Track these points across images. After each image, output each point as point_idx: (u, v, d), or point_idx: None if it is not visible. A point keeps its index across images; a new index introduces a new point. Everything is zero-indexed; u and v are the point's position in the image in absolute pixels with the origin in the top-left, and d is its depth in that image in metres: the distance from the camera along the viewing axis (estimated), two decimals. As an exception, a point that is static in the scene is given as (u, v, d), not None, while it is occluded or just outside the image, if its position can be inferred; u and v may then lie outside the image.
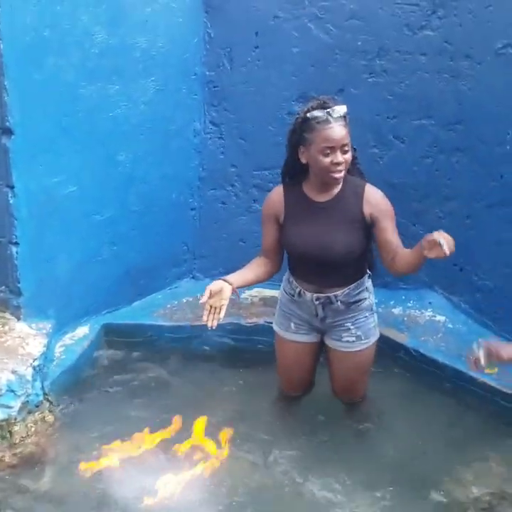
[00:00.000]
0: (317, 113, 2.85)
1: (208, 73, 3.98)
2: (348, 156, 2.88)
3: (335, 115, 2.83)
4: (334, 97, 2.97)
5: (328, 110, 2.83)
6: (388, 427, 3.42)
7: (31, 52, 3.22)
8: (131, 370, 3.73)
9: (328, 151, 2.86)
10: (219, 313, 2.99)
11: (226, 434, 3.20)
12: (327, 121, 2.83)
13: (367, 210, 2.96)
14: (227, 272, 4.26)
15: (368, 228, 2.99)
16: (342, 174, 2.92)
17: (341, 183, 2.98)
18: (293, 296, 3.14)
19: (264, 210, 3.14)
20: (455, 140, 3.76)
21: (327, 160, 2.87)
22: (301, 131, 2.91)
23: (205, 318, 2.98)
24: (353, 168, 3.00)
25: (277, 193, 3.09)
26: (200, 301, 2.97)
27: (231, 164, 4.15)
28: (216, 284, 3.01)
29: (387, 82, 3.79)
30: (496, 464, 3.10)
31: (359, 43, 3.77)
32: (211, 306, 2.97)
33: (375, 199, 2.97)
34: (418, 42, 3.69)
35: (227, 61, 3.95)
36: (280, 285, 3.28)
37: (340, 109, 2.84)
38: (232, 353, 3.90)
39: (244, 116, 4.03)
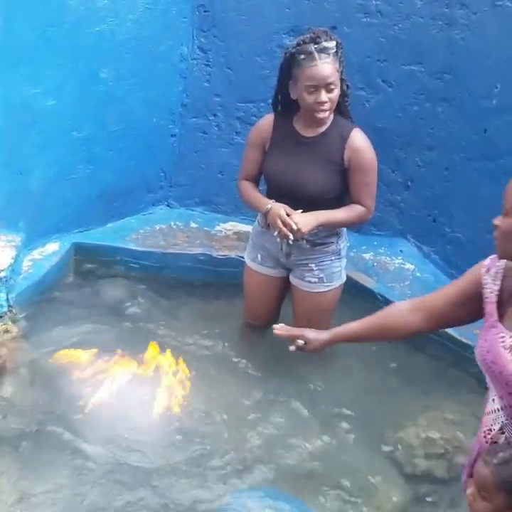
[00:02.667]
0: (304, 48, 2.80)
1: (200, -4, 3.89)
2: (334, 94, 2.84)
3: (321, 51, 2.77)
4: (327, 31, 2.88)
5: (315, 46, 2.77)
6: (346, 368, 3.48)
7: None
8: (98, 291, 3.75)
9: (313, 89, 2.83)
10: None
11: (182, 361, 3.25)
12: (312, 58, 2.79)
13: (347, 155, 2.95)
14: (203, 203, 4.32)
15: (346, 173, 2.98)
16: (326, 114, 2.89)
17: (329, 122, 2.96)
18: (263, 227, 3.15)
19: (251, 135, 3.13)
20: (442, 89, 3.73)
21: (311, 98, 2.85)
22: (289, 66, 2.87)
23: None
24: (344, 108, 2.97)
25: (267, 121, 3.08)
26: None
27: (215, 93, 4.08)
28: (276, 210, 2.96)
29: (381, 24, 3.73)
30: (451, 412, 3.17)
31: (361, -20, 3.70)
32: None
33: (357, 147, 2.95)
34: (416, -15, 3.63)
35: (221, -15, 3.86)
36: (253, 221, 3.29)
37: (329, 45, 2.78)
38: (201, 283, 3.92)
39: (233, 45, 3.95)
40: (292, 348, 2.41)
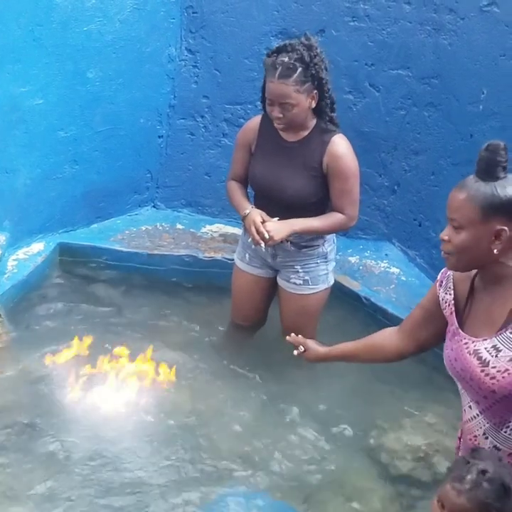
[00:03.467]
0: (268, 60, 2.83)
1: (188, -3, 3.89)
2: (291, 112, 2.84)
3: (283, 70, 2.77)
4: (310, 40, 2.83)
5: (278, 62, 2.77)
6: (333, 370, 3.47)
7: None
8: (82, 291, 3.74)
9: (269, 103, 2.87)
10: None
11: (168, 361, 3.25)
12: (272, 74, 2.81)
13: (325, 161, 2.95)
14: (190, 205, 4.31)
15: (326, 179, 2.98)
16: (281, 127, 2.93)
17: (311, 127, 2.96)
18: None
19: (239, 136, 3.15)
20: (429, 94, 3.75)
21: (269, 109, 2.90)
22: (265, 72, 2.89)
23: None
24: (323, 117, 2.96)
25: (254, 123, 3.10)
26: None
27: (203, 95, 4.08)
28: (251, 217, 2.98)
29: (369, 28, 3.75)
30: (434, 416, 3.18)
31: (345, -16, 3.71)
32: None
33: (336, 153, 2.94)
34: (405, -11, 3.65)
35: (209, -14, 3.87)
36: (240, 222, 3.29)
37: (291, 66, 2.76)
38: (187, 285, 3.91)
39: (221, 46, 3.96)
40: (295, 352, 2.57)
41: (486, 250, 1.87)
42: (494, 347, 1.89)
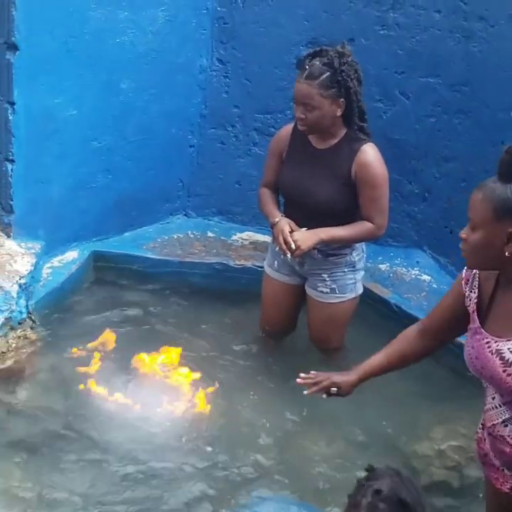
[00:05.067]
0: (300, 62, 2.92)
1: (219, 9, 3.93)
2: (313, 115, 2.88)
3: (310, 72, 2.84)
4: (344, 48, 2.91)
5: (308, 64, 2.86)
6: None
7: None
8: (116, 299, 3.78)
9: (295, 102, 2.92)
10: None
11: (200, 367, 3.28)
12: (300, 74, 2.88)
13: (354, 169, 2.97)
14: (220, 213, 4.35)
15: (355, 187, 3.00)
16: (304, 128, 2.96)
17: (341, 135, 2.99)
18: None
19: (272, 144, 3.21)
20: (460, 101, 3.74)
21: (295, 109, 2.95)
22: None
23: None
24: (352, 125, 2.98)
25: (286, 131, 3.15)
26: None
27: (234, 105, 4.12)
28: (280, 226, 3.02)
29: (399, 36, 3.75)
30: (466, 425, 3.14)
31: (374, -7, 3.73)
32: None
33: (364, 162, 2.96)
34: (434, -2, 3.65)
35: (240, -2, 3.91)
36: (270, 230, 3.32)
37: (316, 71, 2.84)
38: (218, 292, 3.92)
39: (251, 56, 3.99)
40: (324, 396, 2.38)
41: (498, 252, 1.88)
42: None
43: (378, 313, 3.82)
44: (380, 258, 4.09)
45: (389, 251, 4.14)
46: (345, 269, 3.17)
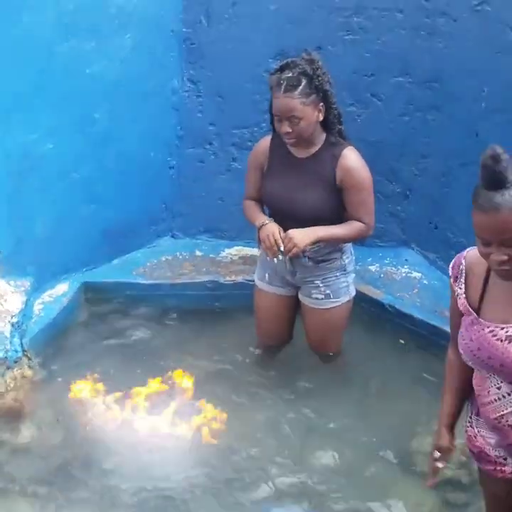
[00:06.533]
0: (272, 78, 2.90)
1: (185, 30, 3.95)
2: (300, 126, 2.89)
3: (287, 84, 2.83)
4: (310, 55, 2.93)
5: (282, 78, 2.84)
6: (366, 380, 3.51)
7: (7, 8, 3.19)
8: (110, 328, 3.78)
9: (278, 119, 2.91)
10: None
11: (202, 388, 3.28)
12: (278, 90, 2.87)
13: (338, 175, 2.99)
14: (207, 231, 4.36)
15: (340, 192, 3.02)
16: (292, 141, 2.96)
17: (321, 143, 3.01)
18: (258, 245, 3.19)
19: (251, 158, 3.21)
20: (431, 98, 3.78)
21: (278, 126, 2.94)
22: (270, 91, 2.95)
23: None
24: (331, 130, 3.01)
25: (264, 143, 3.16)
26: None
27: (209, 123, 4.14)
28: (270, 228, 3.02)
29: (365, 40, 3.79)
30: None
31: (336, 0, 3.75)
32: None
33: (348, 166, 2.98)
34: (395, -1, 3.69)
35: (204, 18, 3.92)
36: (259, 244, 3.33)
37: (294, 80, 2.83)
38: (212, 310, 3.94)
39: (222, 73, 4.02)
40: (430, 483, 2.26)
41: None
42: None
43: (373, 315, 3.84)
44: (370, 259, 4.12)
45: (377, 251, 4.17)
46: (337, 274, 3.18)
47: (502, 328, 1.93)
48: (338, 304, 3.22)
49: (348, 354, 3.52)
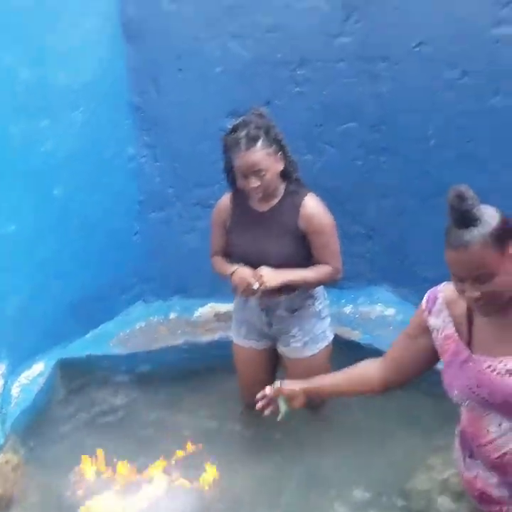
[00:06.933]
0: (231, 138, 2.94)
1: (135, 99, 4.02)
2: (266, 178, 2.94)
3: (248, 140, 2.89)
4: (259, 113, 3.01)
5: (241, 135, 2.90)
6: (355, 425, 3.50)
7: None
8: (91, 403, 3.73)
9: (243, 176, 2.95)
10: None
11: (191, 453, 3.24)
12: (239, 148, 2.92)
13: (302, 222, 3.04)
14: (178, 292, 4.36)
15: (305, 239, 3.07)
16: (260, 195, 3.01)
17: (281, 194, 3.06)
18: (233, 291, 3.21)
19: (213, 216, 3.26)
20: (381, 140, 3.87)
21: (244, 183, 2.98)
22: (226, 151, 3.00)
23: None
24: (289, 179, 3.07)
25: (225, 201, 3.21)
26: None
27: (169, 185, 4.19)
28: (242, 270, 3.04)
29: (311, 91, 3.88)
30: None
31: (279, 56, 3.85)
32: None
33: (309, 212, 3.04)
34: (336, 48, 3.79)
35: (152, 86, 4.00)
36: (232, 299, 3.35)
37: (254, 133, 2.90)
38: (191, 373, 3.91)
39: (176, 137, 4.08)
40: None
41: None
42: None
43: (353, 357, 3.78)
44: (343, 301, 4.15)
45: (350, 293, 4.20)
46: (313, 320, 3.21)
47: (500, 362, 1.93)
48: (317, 350, 3.24)
49: (333, 401, 3.51)
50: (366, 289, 4.23)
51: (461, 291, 1.90)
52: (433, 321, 2.07)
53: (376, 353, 3.73)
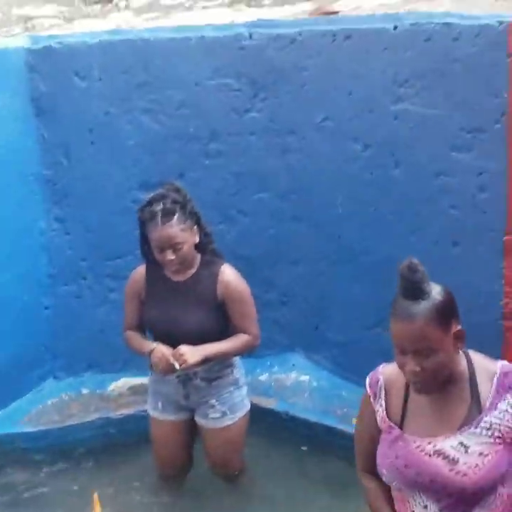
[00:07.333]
0: (146, 212, 2.98)
1: (46, 172, 4.01)
2: (183, 250, 2.99)
3: (163, 215, 2.94)
4: (175, 186, 3.06)
5: (157, 210, 2.94)
6: (272, 493, 3.47)
7: None
8: (5, 485, 3.55)
9: (159, 250, 2.99)
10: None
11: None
12: (155, 223, 2.95)
13: (219, 291, 3.09)
14: (90, 367, 4.26)
15: (223, 308, 3.11)
16: (176, 267, 3.05)
17: (197, 264, 3.10)
18: (151, 369, 3.18)
19: (127, 289, 3.22)
20: (292, 209, 3.99)
21: (160, 257, 3.01)
22: (142, 225, 3.03)
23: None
24: (205, 250, 3.13)
25: (139, 272, 3.20)
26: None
27: (81, 258, 4.15)
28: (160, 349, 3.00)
29: (223, 163, 3.98)
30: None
31: (191, 130, 3.95)
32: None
33: (227, 282, 3.09)
34: (246, 123, 3.93)
35: (64, 159, 4.01)
36: (145, 372, 3.31)
37: (170, 207, 2.95)
38: (106, 449, 3.80)
39: (88, 209, 4.07)
40: None
41: (453, 357, 1.91)
42: (461, 444, 1.90)
43: (270, 425, 3.85)
44: (258, 370, 4.16)
45: (265, 361, 4.22)
46: (231, 388, 3.21)
47: (429, 443, 1.92)
48: (235, 419, 3.23)
49: (252, 470, 3.49)
50: (281, 355, 4.27)
51: (402, 365, 1.91)
52: (377, 406, 2.06)
53: (293, 421, 3.81)
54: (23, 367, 4.05)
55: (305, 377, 4.13)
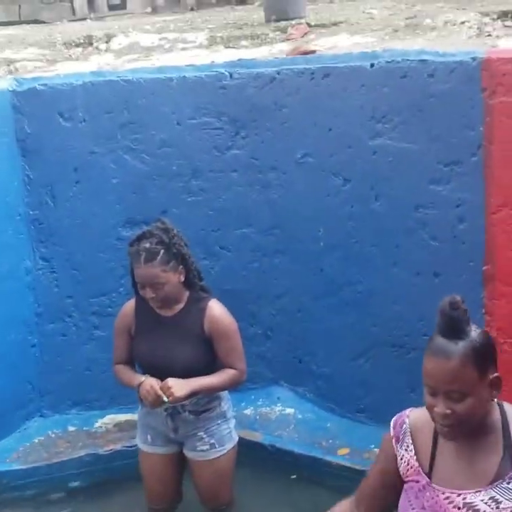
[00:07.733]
0: (131, 250, 3.04)
1: (31, 212, 4.05)
2: (163, 291, 3.03)
3: (147, 255, 2.99)
4: (165, 223, 3.12)
5: (140, 248, 2.99)
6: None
7: None
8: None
9: (142, 288, 3.05)
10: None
11: None
12: (138, 260, 3.02)
13: (206, 326, 3.13)
14: (77, 404, 4.28)
15: (210, 343, 3.15)
16: (158, 304, 3.10)
17: (185, 300, 3.15)
18: (141, 404, 3.20)
19: (117, 322, 3.27)
20: (275, 243, 4.05)
21: (142, 293, 3.07)
22: (130, 259, 3.09)
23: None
24: (193, 286, 3.18)
25: (129, 307, 3.24)
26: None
27: (67, 296, 4.17)
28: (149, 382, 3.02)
29: (206, 199, 4.05)
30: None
31: (174, 168, 4.02)
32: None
33: (214, 317, 3.14)
34: (227, 160, 4.01)
35: (49, 198, 4.05)
36: (131, 408, 3.33)
37: (153, 249, 3.00)
38: (94, 486, 3.80)
39: (73, 248, 4.11)
40: None
41: (485, 405, 1.84)
42: (493, 499, 1.83)
43: (256, 458, 3.85)
44: (243, 404, 4.17)
45: (250, 394, 4.24)
46: (219, 421, 3.23)
47: (458, 495, 1.85)
48: (224, 452, 3.24)
49: (240, 503, 3.50)
50: (266, 389, 4.29)
51: (431, 406, 1.83)
52: (401, 452, 1.97)
53: (279, 453, 3.83)
54: (9, 406, 4.04)
55: (290, 410, 4.15)
